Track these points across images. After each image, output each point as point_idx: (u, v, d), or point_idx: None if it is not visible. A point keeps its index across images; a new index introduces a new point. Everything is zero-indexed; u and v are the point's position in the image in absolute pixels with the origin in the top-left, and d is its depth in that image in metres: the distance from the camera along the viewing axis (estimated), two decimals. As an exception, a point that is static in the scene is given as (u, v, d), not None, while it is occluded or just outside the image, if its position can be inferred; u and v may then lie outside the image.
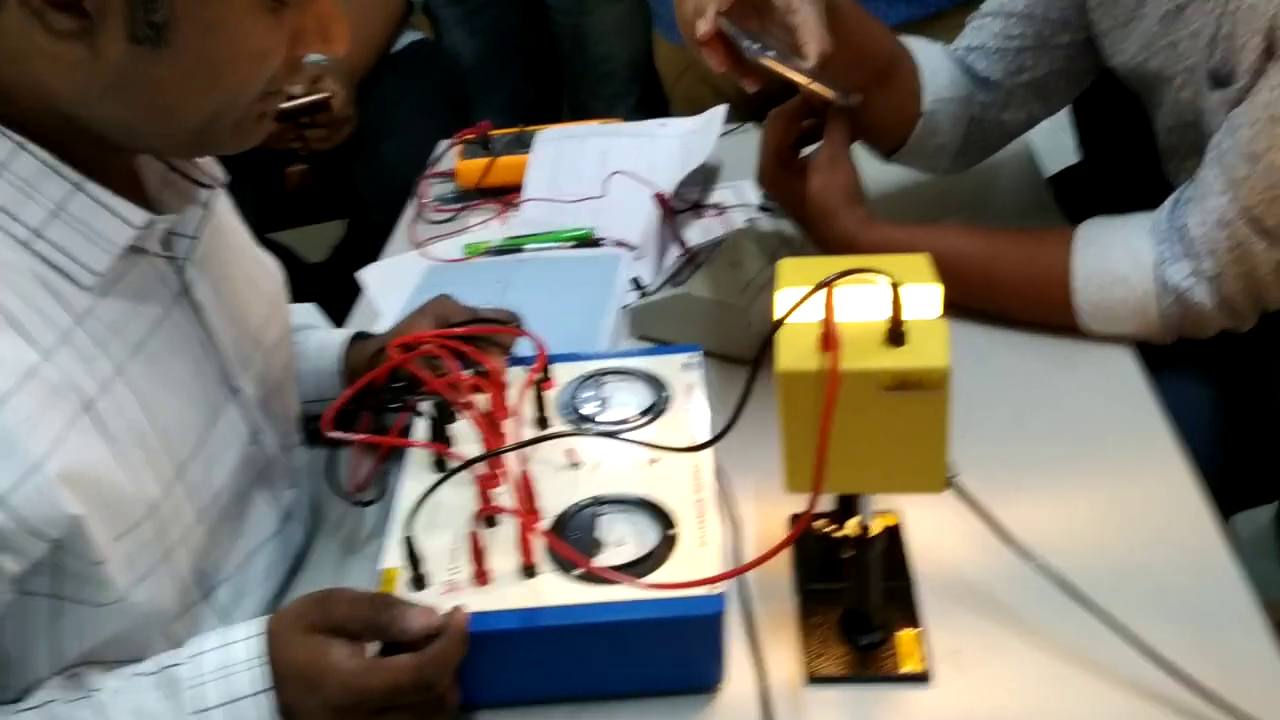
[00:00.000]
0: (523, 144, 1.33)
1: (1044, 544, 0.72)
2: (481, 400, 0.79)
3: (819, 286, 0.59)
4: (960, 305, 0.96)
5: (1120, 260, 0.89)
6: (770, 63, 0.82)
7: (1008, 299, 0.95)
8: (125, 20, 0.60)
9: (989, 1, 1.06)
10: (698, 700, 0.70)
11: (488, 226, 1.27)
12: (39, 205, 0.63)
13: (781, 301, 0.62)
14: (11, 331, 0.61)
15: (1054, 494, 0.81)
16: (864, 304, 0.61)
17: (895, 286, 0.59)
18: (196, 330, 0.74)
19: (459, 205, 1.31)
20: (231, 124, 0.67)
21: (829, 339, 0.60)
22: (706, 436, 0.76)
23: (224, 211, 0.83)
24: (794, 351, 0.61)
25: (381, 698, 0.64)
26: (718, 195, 1.25)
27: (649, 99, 1.94)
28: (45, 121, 0.63)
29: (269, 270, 0.88)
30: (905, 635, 0.72)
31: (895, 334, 0.61)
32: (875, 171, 1.10)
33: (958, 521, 0.72)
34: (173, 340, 0.72)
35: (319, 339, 0.96)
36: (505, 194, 1.30)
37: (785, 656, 0.72)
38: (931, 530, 0.78)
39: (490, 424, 0.76)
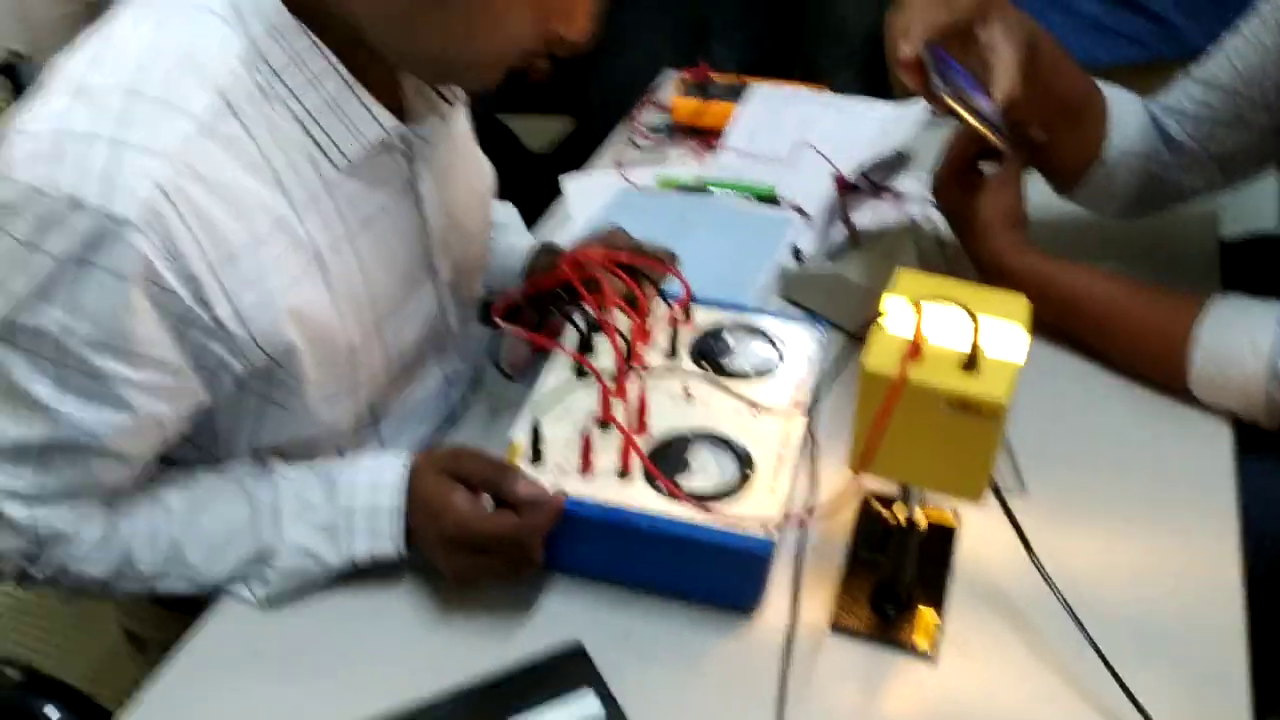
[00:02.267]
0: (735, 93, 1.43)
1: (1077, 574, 0.81)
2: (625, 323, 0.92)
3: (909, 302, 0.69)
4: (1079, 343, 1.03)
5: (1240, 341, 0.93)
6: (951, 101, 0.89)
7: (1126, 350, 1.01)
8: None
9: (1200, 66, 1.08)
10: (734, 618, 0.82)
11: (684, 163, 1.38)
12: (319, 95, 0.78)
13: (884, 305, 0.72)
14: (276, 186, 0.78)
15: (1104, 534, 0.89)
16: (960, 330, 0.71)
17: (975, 319, 0.69)
18: (414, 217, 0.89)
19: (664, 136, 1.43)
20: (477, 70, 0.78)
21: (913, 352, 0.70)
22: (807, 403, 0.87)
23: (459, 120, 0.97)
24: (882, 355, 0.71)
25: (484, 540, 0.79)
26: (902, 183, 1.32)
27: (873, 67, 1.99)
28: (337, 30, 0.77)
29: (483, 171, 1.03)
30: (927, 614, 0.82)
31: (971, 361, 0.70)
32: (1056, 200, 1.15)
33: (1006, 533, 0.81)
34: (394, 221, 0.87)
35: (510, 242, 1.10)
36: (708, 136, 1.41)
37: (819, 605, 0.83)
38: (981, 534, 0.88)
39: (628, 345, 0.89)
